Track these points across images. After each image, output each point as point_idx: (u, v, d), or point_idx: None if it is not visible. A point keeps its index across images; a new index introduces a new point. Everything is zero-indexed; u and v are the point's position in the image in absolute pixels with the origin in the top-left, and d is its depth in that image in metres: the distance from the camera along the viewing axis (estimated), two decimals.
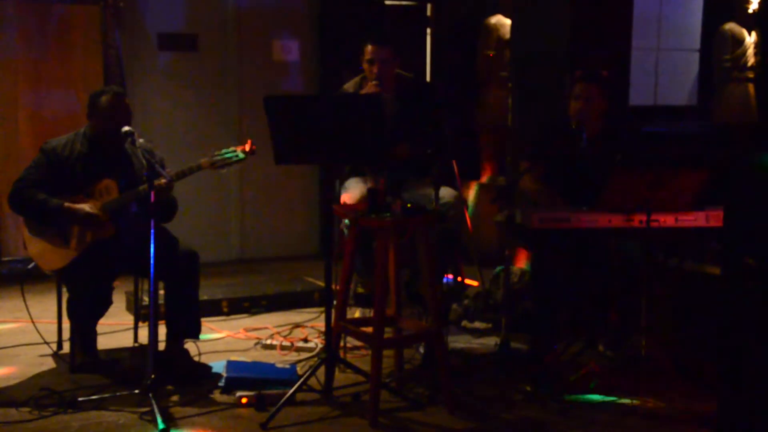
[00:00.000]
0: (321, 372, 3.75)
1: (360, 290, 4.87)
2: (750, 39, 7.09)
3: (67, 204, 3.97)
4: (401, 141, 4.43)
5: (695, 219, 3.89)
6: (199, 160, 4.03)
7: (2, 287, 5.70)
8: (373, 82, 4.40)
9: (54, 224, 4.01)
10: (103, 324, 4.32)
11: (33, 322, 4.26)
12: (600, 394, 3.82)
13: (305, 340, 4.58)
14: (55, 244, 4.02)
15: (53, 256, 4.03)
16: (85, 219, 3.97)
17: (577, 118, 4.22)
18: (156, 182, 3.77)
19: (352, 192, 4.48)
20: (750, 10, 7.08)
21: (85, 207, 3.98)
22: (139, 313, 4.58)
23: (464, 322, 4.94)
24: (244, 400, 3.67)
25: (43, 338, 4.25)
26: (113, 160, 4.12)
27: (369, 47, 4.44)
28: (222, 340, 4.68)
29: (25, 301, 4.29)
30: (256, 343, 4.58)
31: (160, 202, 3.85)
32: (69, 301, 4.07)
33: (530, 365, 4.05)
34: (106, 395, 3.69)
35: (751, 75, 7.12)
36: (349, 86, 4.60)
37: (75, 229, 4.01)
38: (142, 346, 4.41)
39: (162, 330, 4.05)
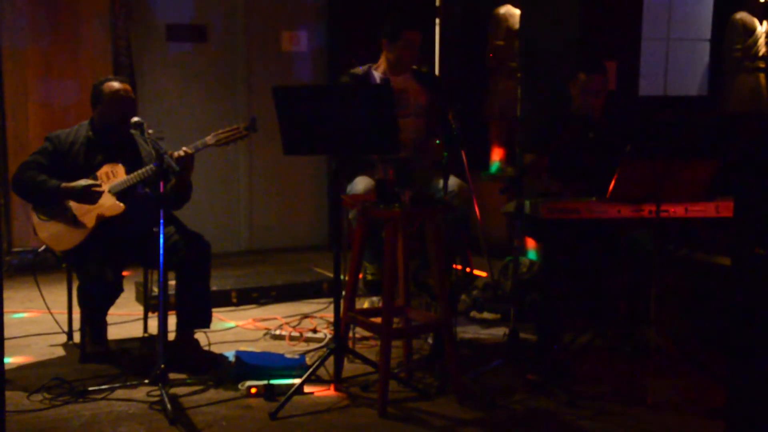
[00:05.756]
0: (330, 362, 3.76)
1: (369, 277, 4.86)
2: (761, 28, 7.05)
3: (64, 184, 3.99)
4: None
5: (705, 209, 3.87)
6: (204, 137, 4.05)
7: (13, 278, 5.73)
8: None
9: (55, 206, 4.02)
10: (113, 314, 4.34)
11: (50, 312, 4.29)
12: (607, 383, 3.83)
13: (314, 331, 4.59)
14: (66, 224, 4.03)
15: (65, 237, 4.04)
16: (83, 192, 3.98)
17: (587, 111, 4.19)
18: (167, 156, 3.79)
19: (359, 187, 4.48)
20: None
21: (81, 181, 4.00)
22: (149, 303, 4.60)
23: (473, 313, 4.94)
24: (253, 390, 3.68)
25: (60, 326, 4.27)
26: (119, 146, 4.15)
27: (409, 33, 4.56)
28: (231, 331, 4.69)
29: (39, 288, 4.33)
30: (266, 334, 4.59)
31: (184, 172, 3.89)
32: (79, 288, 4.09)
33: (539, 356, 4.04)
34: (117, 385, 3.71)
35: (762, 65, 7.08)
36: (357, 70, 4.63)
37: (84, 209, 4.02)
38: (152, 336, 4.43)
39: (172, 320, 4.08)
